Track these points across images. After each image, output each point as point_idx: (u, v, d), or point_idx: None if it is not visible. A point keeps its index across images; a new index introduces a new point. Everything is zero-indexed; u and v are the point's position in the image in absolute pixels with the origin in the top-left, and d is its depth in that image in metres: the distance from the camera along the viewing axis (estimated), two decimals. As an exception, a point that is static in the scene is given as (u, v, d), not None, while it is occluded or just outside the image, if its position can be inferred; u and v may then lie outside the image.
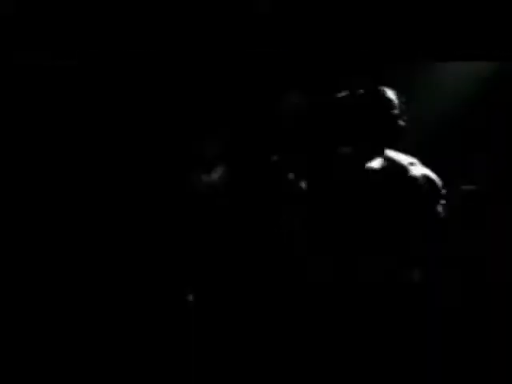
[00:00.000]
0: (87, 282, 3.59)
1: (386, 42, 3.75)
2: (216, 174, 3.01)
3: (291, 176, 3.21)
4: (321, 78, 3.66)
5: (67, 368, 3.44)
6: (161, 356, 3.41)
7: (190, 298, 3.34)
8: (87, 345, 3.48)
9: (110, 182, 3.71)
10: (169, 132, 3.75)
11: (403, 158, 2.68)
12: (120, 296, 3.56)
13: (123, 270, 3.60)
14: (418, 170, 2.62)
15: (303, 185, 2.96)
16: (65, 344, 3.49)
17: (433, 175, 2.66)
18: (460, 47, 3.73)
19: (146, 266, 3.59)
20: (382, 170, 2.63)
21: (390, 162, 2.64)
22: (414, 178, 2.60)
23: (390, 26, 3.74)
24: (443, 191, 2.63)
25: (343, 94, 2.71)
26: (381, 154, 2.66)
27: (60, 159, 3.72)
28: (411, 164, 2.65)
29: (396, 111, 2.68)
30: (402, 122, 2.70)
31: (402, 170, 2.62)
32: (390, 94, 2.69)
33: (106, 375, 3.42)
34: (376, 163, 2.65)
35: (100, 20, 3.73)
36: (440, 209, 2.61)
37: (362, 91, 2.69)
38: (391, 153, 2.69)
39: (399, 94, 2.75)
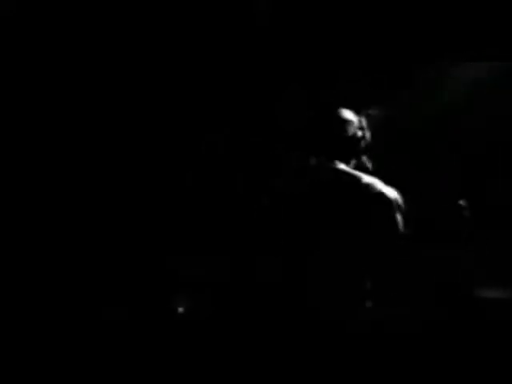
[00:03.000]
0: (87, 282, 3.59)
1: (387, 49, 3.75)
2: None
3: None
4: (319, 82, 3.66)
5: (66, 368, 3.44)
6: (157, 358, 3.41)
7: (180, 309, 3.34)
8: (86, 345, 3.48)
9: (111, 181, 3.71)
10: (169, 131, 3.75)
11: (359, 174, 2.82)
12: (120, 297, 3.56)
13: (123, 270, 3.60)
14: (376, 186, 2.75)
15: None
16: (63, 343, 3.50)
17: (389, 191, 2.76)
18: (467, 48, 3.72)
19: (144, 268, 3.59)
20: (332, 181, 2.79)
21: (343, 174, 2.79)
22: (365, 188, 2.70)
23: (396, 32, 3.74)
24: (399, 205, 2.71)
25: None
26: (334, 167, 2.83)
27: (62, 158, 3.73)
28: (368, 182, 2.76)
29: (349, 131, 2.86)
30: (356, 141, 2.88)
31: (354, 180, 2.75)
32: (346, 113, 2.91)
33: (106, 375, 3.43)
34: (326, 175, 2.81)
35: (101, 20, 3.74)
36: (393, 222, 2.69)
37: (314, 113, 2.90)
38: (347, 168, 2.84)
39: (361, 112, 2.94)
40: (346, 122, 2.88)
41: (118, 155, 3.69)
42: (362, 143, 2.90)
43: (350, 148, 2.88)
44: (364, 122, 2.92)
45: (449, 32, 3.72)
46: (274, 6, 3.76)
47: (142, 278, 3.54)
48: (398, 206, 2.73)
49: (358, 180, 2.75)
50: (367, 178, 2.78)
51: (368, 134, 2.94)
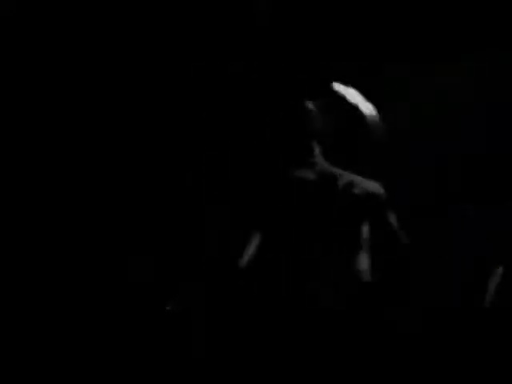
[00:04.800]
0: (86, 283, 3.59)
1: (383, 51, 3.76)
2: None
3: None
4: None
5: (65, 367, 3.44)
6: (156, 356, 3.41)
7: (168, 308, 3.33)
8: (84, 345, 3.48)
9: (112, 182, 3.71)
10: (171, 134, 3.76)
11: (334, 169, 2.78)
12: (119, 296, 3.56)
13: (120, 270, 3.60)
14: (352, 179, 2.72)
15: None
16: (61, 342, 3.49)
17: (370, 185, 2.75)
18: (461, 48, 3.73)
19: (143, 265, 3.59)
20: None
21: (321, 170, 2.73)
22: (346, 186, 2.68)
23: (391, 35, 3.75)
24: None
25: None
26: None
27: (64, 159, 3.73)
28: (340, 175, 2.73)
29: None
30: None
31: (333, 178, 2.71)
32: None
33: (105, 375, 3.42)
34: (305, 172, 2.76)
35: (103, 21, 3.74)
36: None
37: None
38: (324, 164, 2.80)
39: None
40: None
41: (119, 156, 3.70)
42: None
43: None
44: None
45: (447, 32, 3.74)
46: (273, 6, 3.76)
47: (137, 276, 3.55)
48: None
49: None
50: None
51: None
